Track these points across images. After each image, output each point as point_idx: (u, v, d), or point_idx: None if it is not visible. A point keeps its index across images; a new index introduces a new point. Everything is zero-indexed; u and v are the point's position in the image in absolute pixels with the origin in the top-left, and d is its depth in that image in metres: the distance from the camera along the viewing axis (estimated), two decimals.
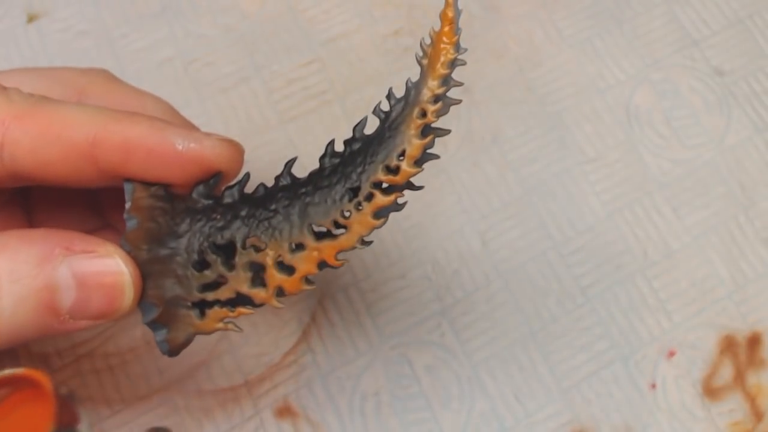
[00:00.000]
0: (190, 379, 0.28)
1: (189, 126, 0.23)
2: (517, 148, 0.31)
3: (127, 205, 0.20)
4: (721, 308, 0.30)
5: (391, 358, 0.28)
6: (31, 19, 0.32)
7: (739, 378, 0.29)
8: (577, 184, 0.31)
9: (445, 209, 0.30)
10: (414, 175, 0.20)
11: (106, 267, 0.19)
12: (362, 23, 0.33)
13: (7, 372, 0.17)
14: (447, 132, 0.20)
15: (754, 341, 0.29)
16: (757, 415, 0.28)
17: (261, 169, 0.31)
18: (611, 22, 0.33)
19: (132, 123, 0.20)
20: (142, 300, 0.20)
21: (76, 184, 0.20)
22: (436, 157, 0.20)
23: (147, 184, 0.20)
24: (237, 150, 0.21)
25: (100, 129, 0.19)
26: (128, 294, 0.19)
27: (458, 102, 0.20)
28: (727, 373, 0.29)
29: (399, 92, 0.30)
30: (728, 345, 0.29)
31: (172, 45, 0.32)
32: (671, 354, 0.29)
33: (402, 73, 0.32)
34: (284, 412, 0.28)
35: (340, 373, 0.28)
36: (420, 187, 0.21)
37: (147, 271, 0.20)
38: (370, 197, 0.20)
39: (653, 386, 0.29)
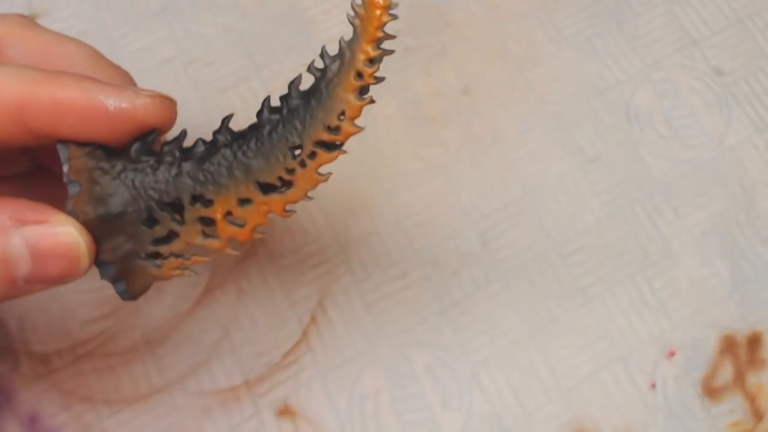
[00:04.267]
0: (190, 378, 0.28)
1: (118, 74, 0.23)
2: (517, 148, 0.31)
3: (65, 168, 0.20)
4: (721, 308, 0.30)
5: (391, 358, 0.28)
6: (31, 19, 0.32)
7: (739, 378, 0.29)
8: (577, 184, 0.31)
9: (445, 209, 0.30)
10: (355, 134, 0.21)
11: (60, 236, 0.19)
12: None
13: None
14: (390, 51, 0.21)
15: (754, 341, 0.29)
16: (757, 415, 0.28)
17: None
18: (611, 22, 0.33)
19: (61, 85, 0.19)
20: (97, 259, 0.21)
21: (5, 144, 0.20)
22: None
23: (82, 144, 0.20)
24: (170, 106, 0.21)
25: (28, 92, 0.19)
26: (83, 260, 0.20)
27: (391, 52, 0.21)
28: (727, 373, 0.29)
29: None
30: (728, 345, 0.29)
31: (172, 45, 0.32)
32: (671, 354, 0.29)
33: (402, 73, 0.32)
34: (284, 412, 0.28)
35: (339, 373, 0.28)
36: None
37: (98, 233, 0.21)
38: (313, 155, 0.21)
39: (653, 386, 0.29)
